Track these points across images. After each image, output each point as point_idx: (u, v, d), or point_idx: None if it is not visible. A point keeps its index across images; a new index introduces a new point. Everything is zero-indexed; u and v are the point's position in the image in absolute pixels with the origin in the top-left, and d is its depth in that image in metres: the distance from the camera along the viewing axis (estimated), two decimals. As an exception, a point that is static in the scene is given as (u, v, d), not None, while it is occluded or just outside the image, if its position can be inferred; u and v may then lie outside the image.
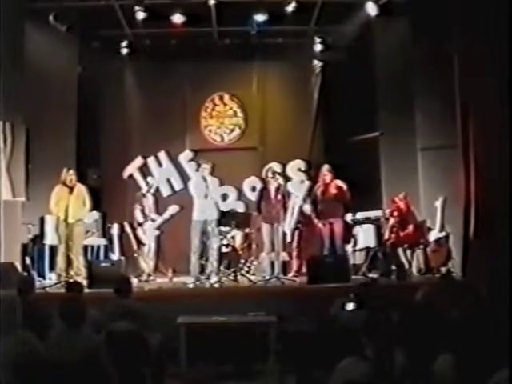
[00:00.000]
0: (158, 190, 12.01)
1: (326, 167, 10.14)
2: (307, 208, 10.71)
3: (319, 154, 12.66)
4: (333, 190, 9.99)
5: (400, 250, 10.09)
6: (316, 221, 9.99)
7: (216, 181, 10.59)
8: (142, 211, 10.92)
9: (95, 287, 8.55)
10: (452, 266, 9.76)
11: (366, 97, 11.63)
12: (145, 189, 11.33)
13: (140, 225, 10.81)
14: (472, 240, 9.09)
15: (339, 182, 10.07)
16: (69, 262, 9.61)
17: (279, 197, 9.91)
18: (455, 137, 9.57)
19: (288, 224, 11.09)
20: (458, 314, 4.00)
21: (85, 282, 8.66)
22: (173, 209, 10.85)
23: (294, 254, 10.53)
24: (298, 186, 12.10)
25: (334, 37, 12.38)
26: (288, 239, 10.75)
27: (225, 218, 10.13)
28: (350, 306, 5.68)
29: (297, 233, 10.56)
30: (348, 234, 10.36)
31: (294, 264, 10.55)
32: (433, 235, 10.18)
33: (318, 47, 12.58)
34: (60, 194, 9.69)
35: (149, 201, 11.06)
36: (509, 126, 8.56)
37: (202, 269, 9.91)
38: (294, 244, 10.49)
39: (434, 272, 9.85)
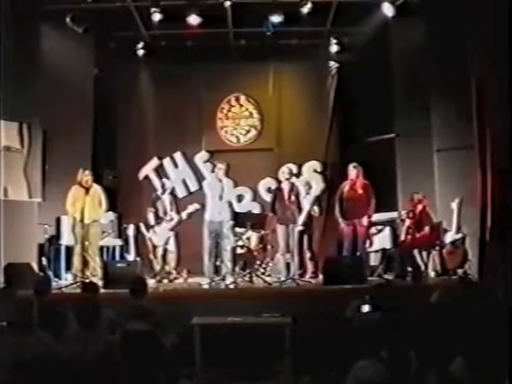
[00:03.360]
0: (173, 191, 12.03)
1: (352, 164, 10.08)
2: (316, 210, 10.66)
3: (335, 155, 12.64)
4: (359, 189, 9.90)
5: (416, 252, 10.03)
6: (340, 220, 9.92)
7: (231, 182, 10.57)
8: (155, 214, 10.93)
9: (111, 287, 8.57)
10: (468, 267, 9.70)
11: (382, 98, 11.59)
12: (160, 190, 11.33)
13: (152, 227, 10.83)
14: (488, 242, 9.02)
15: (365, 180, 9.98)
16: (85, 263, 9.65)
17: (293, 198, 9.89)
18: (471, 137, 9.51)
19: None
20: (474, 316, 3.98)
21: (100, 283, 8.68)
22: (191, 208, 10.84)
23: (308, 255, 10.48)
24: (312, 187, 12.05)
25: (350, 38, 12.37)
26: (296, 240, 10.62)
27: (240, 219, 10.12)
28: (366, 308, 5.66)
29: (306, 235, 10.51)
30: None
31: (309, 266, 10.51)
32: (449, 237, 10.11)
33: (334, 48, 12.56)
34: (76, 195, 9.73)
35: (164, 202, 11.07)
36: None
37: (217, 270, 9.90)
38: (306, 246, 10.44)
39: (450, 274, 9.78)
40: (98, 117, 11.99)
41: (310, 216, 10.46)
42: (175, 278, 10.63)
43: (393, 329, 4.13)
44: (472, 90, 9.45)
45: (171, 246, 10.92)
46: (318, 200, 10.90)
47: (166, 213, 10.97)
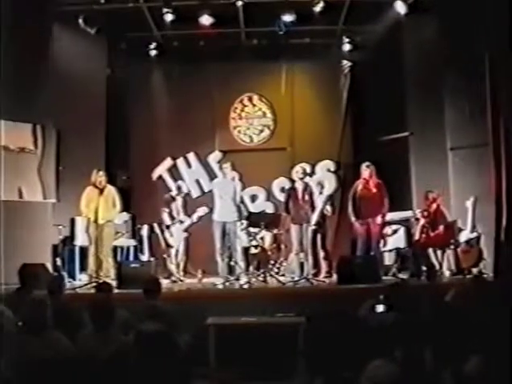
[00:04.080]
0: (187, 194, 12.06)
1: (365, 163, 10.05)
2: (329, 209, 10.64)
3: (348, 154, 12.62)
4: (372, 188, 9.88)
5: (430, 251, 10.00)
6: (353, 219, 9.91)
7: (238, 182, 10.58)
8: (170, 214, 10.95)
9: (124, 288, 8.59)
10: (483, 267, 9.65)
11: (395, 96, 11.56)
12: (174, 192, 11.35)
13: (167, 227, 10.85)
14: (504, 240, 8.97)
15: (378, 179, 9.96)
16: (99, 263, 9.67)
17: (307, 197, 9.88)
18: (486, 135, 9.46)
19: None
20: (489, 316, 3.96)
21: (114, 283, 8.70)
22: (202, 210, 10.86)
23: (322, 255, 10.47)
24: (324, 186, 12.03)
25: (362, 36, 12.34)
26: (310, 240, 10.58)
27: (254, 218, 10.12)
28: (380, 308, 5.65)
29: (320, 234, 10.49)
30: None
31: (323, 265, 10.49)
32: (464, 236, 10.07)
33: (347, 47, 12.55)
34: (90, 196, 9.76)
35: (178, 203, 11.09)
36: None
37: (231, 270, 9.91)
38: (319, 245, 10.42)
39: (465, 273, 9.74)
40: (110, 117, 12.03)
41: (323, 215, 10.44)
42: (181, 281, 10.65)
43: (407, 329, 4.12)
44: (486, 86, 9.40)
45: (181, 248, 10.95)
46: (331, 199, 10.88)
47: (178, 214, 10.99)
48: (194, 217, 10.86)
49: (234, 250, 9.87)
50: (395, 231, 10.70)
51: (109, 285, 7.04)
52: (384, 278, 9.31)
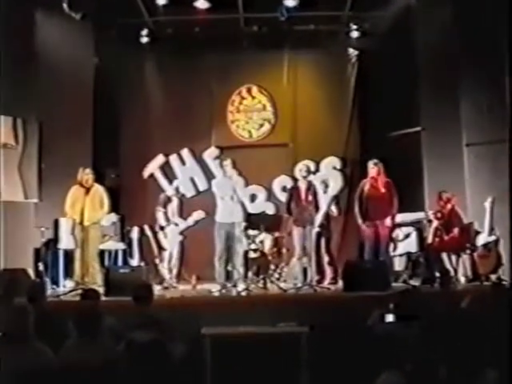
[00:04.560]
0: (183, 196, 12.07)
1: (372, 160, 10.04)
2: (334, 210, 10.64)
3: (355, 150, 12.62)
4: (381, 188, 9.88)
5: (444, 256, 10.00)
6: (360, 221, 9.91)
7: (241, 180, 10.58)
8: (165, 214, 10.95)
9: (113, 295, 8.58)
10: (502, 273, 9.65)
11: (406, 88, 11.56)
12: (171, 192, 11.33)
13: (162, 228, 10.85)
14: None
15: (387, 178, 9.95)
16: (85, 269, 9.67)
17: (310, 197, 9.87)
18: (504, 130, 9.46)
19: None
20: (507, 326, 3.95)
21: (102, 290, 8.69)
22: (197, 214, 10.87)
23: (326, 259, 10.48)
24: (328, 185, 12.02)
25: (371, 23, 12.35)
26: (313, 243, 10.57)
27: (253, 220, 10.12)
28: (390, 317, 5.64)
29: (324, 237, 10.49)
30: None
31: (328, 271, 10.50)
32: (481, 239, 10.06)
33: (354, 34, 12.55)
34: (76, 195, 9.76)
35: (173, 205, 11.09)
36: None
37: (229, 275, 9.91)
38: (323, 249, 10.43)
39: (482, 280, 9.73)
40: (98, 110, 12.02)
41: (327, 217, 10.45)
42: (174, 287, 10.65)
43: (419, 339, 4.11)
44: (505, 79, 9.40)
45: (175, 252, 10.95)
46: (336, 199, 10.88)
47: (174, 215, 10.99)
48: (190, 220, 10.84)
49: (235, 253, 9.87)
50: (406, 234, 10.70)
51: (96, 292, 7.02)
52: (394, 284, 9.31)
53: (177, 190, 11.57)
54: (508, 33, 9.32)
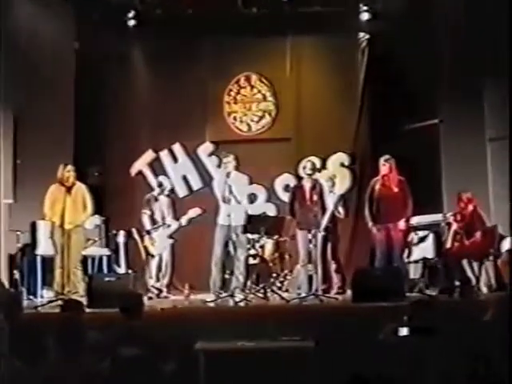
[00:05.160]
0: (172, 190, 12.03)
1: (384, 157, 10.03)
2: (341, 211, 10.64)
3: (366, 145, 12.59)
4: (393, 187, 9.87)
5: (465, 262, 9.99)
6: (370, 224, 9.91)
7: (245, 178, 10.58)
8: (151, 217, 10.95)
9: (97, 306, 8.57)
10: (530, 281, 9.66)
11: (423, 76, 11.54)
12: (156, 190, 11.31)
13: (148, 233, 10.85)
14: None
15: (400, 176, 9.94)
16: (66, 277, 9.66)
17: (316, 197, 9.87)
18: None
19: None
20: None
21: (84, 301, 8.68)
22: (193, 212, 10.83)
23: (333, 267, 10.48)
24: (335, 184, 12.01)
25: (382, 3, 12.32)
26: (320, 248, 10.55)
27: (252, 223, 10.12)
28: (404, 331, 5.64)
29: (330, 242, 10.48)
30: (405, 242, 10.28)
31: (335, 279, 10.50)
32: (506, 244, 10.07)
33: (365, 16, 12.52)
34: (55, 195, 9.75)
35: (161, 204, 11.08)
36: None
37: (225, 284, 9.92)
38: (330, 255, 10.43)
39: (507, 289, 9.73)
40: (80, 101, 12.02)
41: (334, 219, 10.43)
42: (166, 297, 10.65)
43: (436, 355, 4.12)
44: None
45: (166, 258, 10.95)
46: (343, 199, 10.87)
47: (163, 217, 10.98)
48: (183, 220, 10.82)
49: (236, 260, 9.89)
50: (422, 238, 10.70)
51: (78, 303, 7.02)
52: (409, 294, 9.30)
53: (160, 185, 11.50)
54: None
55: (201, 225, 10.63)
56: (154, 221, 10.94)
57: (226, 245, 9.86)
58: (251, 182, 12.36)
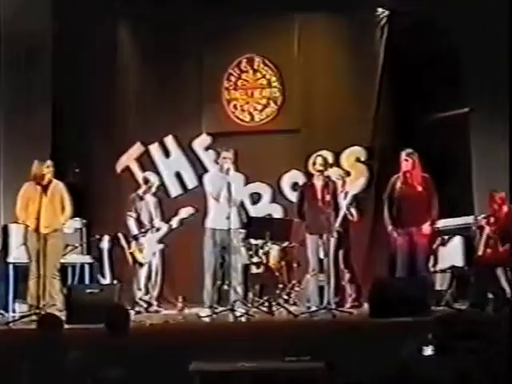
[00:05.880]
0: (161, 188, 12.02)
1: (406, 151, 9.99)
2: (354, 213, 10.64)
3: (385, 138, 12.57)
4: (416, 185, 9.83)
5: (499, 272, 9.99)
6: (390, 228, 9.90)
7: (242, 176, 10.57)
8: (138, 220, 10.95)
9: (77, 322, 8.56)
10: None
11: (450, 60, 11.53)
12: (142, 188, 11.32)
13: (135, 238, 10.85)
14: None
15: (424, 173, 9.91)
16: (43, 288, 9.65)
17: (328, 197, 9.84)
18: None
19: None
20: None
21: (63, 315, 8.68)
22: (185, 212, 10.83)
23: (347, 276, 10.48)
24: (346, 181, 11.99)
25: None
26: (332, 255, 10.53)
27: (255, 226, 10.12)
28: (428, 350, 5.64)
29: (342, 248, 10.47)
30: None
31: (349, 290, 10.50)
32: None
33: (384, -12, 12.55)
34: (29, 195, 9.74)
35: (148, 204, 11.08)
36: None
37: (222, 297, 9.93)
38: (342, 263, 10.42)
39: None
40: (59, 88, 12.02)
41: (345, 222, 10.41)
42: (156, 311, 10.65)
43: (465, 377, 4.11)
44: None
45: (155, 266, 10.95)
46: (356, 199, 10.85)
47: (151, 219, 10.99)
48: (174, 221, 10.82)
49: (233, 269, 9.87)
50: (449, 244, 10.69)
51: (56, 318, 7.03)
52: (434, 308, 9.30)
53: (146, 182, 11.49)
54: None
55: (195, 227, 10.59)
56: (140, 224, 10.94)
57: (220, 252, 9.85)
58: (254, 180, 12.38)
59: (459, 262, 10.55)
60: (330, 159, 11.73)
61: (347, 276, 10.51)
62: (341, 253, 10.41)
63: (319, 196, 9.96)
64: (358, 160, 12.66)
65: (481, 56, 11.44)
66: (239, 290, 9.86)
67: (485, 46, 11.32)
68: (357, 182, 11.83)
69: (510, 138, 10.86)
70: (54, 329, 6.48)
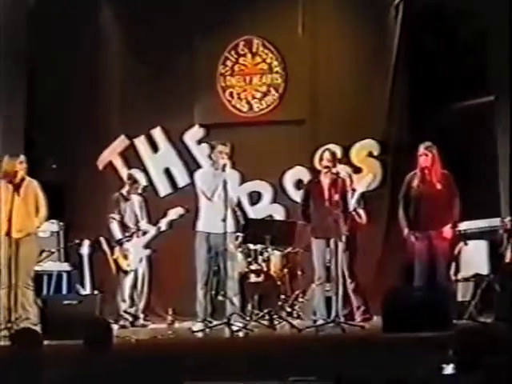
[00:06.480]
0: (149, 187, 12.03)
1: (424, 144, 9.97)
2: (362, 214, 10.65)
3: (400, 129, 12.56)
4: (436, 183, 9.83)
5: (530, 280, 10.01)
6: (406, 232, 9.90)
7: (238, 173, 10.58)
8: (122, 222, 10.94)
9: (53, 337, 8.54)
10: None
11: (473, 43, 11.53)
12: (127, 187, 11.31)
13: (119, 243, 10.84)
14: None
15: (444, 170, 9.91)
16: (15, 299, 9.64)
17: (337, 196, 9.84)
18: None
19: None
20: None
21: (38, 330, 8.68)
22: (174, 212, 10.83)
23: (351, 285, 10.46)
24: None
25: None
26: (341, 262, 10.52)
27: (254, 229, 10.12)
28: (449, 369, 5.63)
29: (346, 252, 10.47)
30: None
31: (354, 301, 10.49)
32: None
33: (399, -39, 12.56)
34: (0, 195, 9.74)
35: (134, 205, 11.08)
36: None
37: (216, 309, 9.93)
38: (346, 269, 10.41)
39: None
40: (34, 75, 12.01)
41: (353, 223, 10.41)
42: (143, 326, 10.65)
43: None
44: None
45: (142, 274, 10.95)
46: (363, 198, 10.85)
47: (137, 222, 10.99)
48: (163, 224, 10.82)
49: (229, 277, 9.87)
50: (473, 249, 10.69)
51: (34, 333, 7.03)
52: (456, 322, 9.30)
53: (129, 178, 11.48)
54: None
55: (187, 230, 10.59)
56: (125, 226, 10.94)
57: (213, 258, 9.85)
58: (252, 178, 12.38)
59: (484, 269, 10.53)
60: (339, 154, 11.69)
61: (351, 285, 10.49)
62: (345, 259, 10.37)
63: (326, 195, 9.95)
64: (370, 155, 12.63)
65: (506, 41, 11.45)
66: (236, 301, 9.88)
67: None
68: (365, 179, 11.85)
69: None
70: (29, 345, 6.46)
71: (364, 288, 10.63)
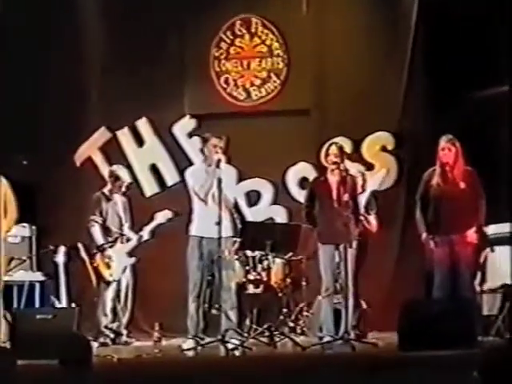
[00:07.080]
0: (133, 185, 12.02)
1: (445, 137, 9.94)
2: (372, 218, 10.64)
3: (416, 122, 12.56)
4: (458, 181, 9.81)
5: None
6: (424, 236, 9.88)
7: (234, 170, 10.57)
8: (104, 226, 10.93)
9: (25, 356, 8.48)
10: None
11: (491, 30, 11.54)
12: (109, 185, 11.29)
13: (100, 249, 10.82)
14: None
15: (468, 166, 9.88)
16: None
17: (346, 196, 9.81)
18: None
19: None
20: None
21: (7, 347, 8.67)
22: (162, 216, 10.82)
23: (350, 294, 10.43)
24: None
25: None
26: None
27: (253, 234, 10.12)
28: (474, 390, 5.61)
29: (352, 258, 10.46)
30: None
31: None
32: None
33: None
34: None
35: (117, 206, 11.07)
36: None
37: (209, 324, 9.92)
38: (350, 278, 10.36)
39: None
40: (5, 56, 12.01)
41: (364, 226, 10.41)
42: (126, 343, 10.63)
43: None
44: None
45: (125, 285, 10.94)
46: (374, 198, 10.85)
47: (120, 225, 10.98)
48: (145, 231, 10.81)
49: (224, 288, 9.86)
50: (500, 257, 10.68)
51: (5, 351, 7.02)
52: (482, 338, 9.27)
53: (111, 175, 11.45)
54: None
55: (177, 234, 10.58)
56: (107, 231, 10.92)
57: (207, 266, 9.85)
58: (250, 176, 12.38)
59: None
60: (348, 148, 11.71)
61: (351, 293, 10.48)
62: (349, 265, 10.31)
63: (334, 195, 9.93)
64: (383, 149, 12.64)
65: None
66: (232, 315, 9.87)
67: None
68: (377, 175, 11.84)
69: None
70: (4, 367, 6.43)
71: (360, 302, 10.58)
